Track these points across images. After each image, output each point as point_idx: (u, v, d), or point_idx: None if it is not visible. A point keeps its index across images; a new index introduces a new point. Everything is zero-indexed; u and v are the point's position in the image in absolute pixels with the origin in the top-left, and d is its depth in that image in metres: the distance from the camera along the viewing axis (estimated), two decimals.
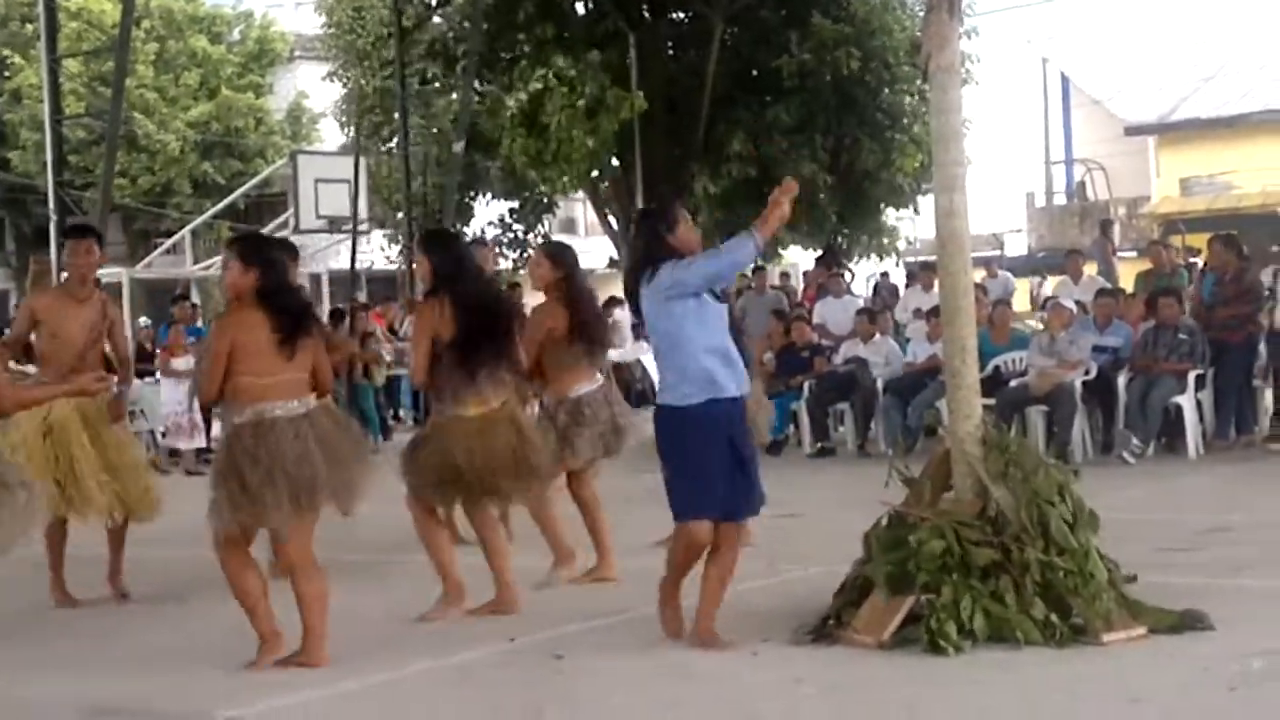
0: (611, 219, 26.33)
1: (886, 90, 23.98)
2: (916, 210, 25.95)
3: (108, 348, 8.69)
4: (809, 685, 5.82)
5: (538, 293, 8.46)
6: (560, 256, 8.48)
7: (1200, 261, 15.69)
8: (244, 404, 6.38)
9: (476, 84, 24.06)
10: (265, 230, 22.04)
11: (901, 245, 28.20)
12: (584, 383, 8.36)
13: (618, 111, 22.51)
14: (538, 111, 22.65)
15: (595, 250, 31.17)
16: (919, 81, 22.57)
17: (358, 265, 26.01)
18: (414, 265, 10.86)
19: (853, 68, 22.72)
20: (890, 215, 26.15)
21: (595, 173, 25.48)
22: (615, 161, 24.94)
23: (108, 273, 22.49)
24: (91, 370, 8.22)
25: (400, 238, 27.09)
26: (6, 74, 37.60)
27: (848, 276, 21.41)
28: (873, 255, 27.02)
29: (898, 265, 28.47)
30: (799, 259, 31.02)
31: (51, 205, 23.67)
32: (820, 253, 23.83)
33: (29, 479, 6.26)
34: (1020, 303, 19.00)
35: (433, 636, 7.04)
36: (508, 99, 23.03)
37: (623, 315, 18.03)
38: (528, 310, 8.89)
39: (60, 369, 8.18)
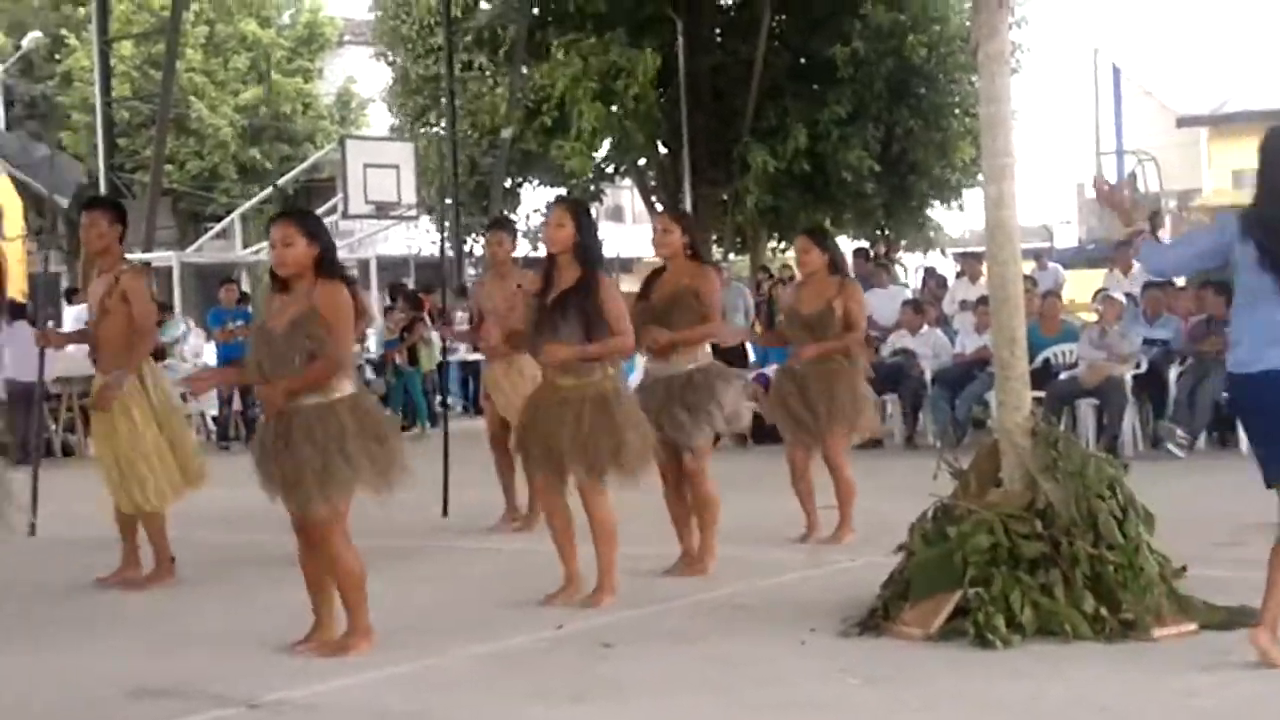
0: (659, 206, 26.25)
1: (941, 77, 23.84)
2: (961, 206, 25.81)
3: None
4: (855, 676, 5.80)
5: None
6: (688, 220, 8.37)
7: None
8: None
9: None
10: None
11: (946, 239, 28.03)
12: None
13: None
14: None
15: (641, 238, 31.06)
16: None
17: (405, 251, 26.03)
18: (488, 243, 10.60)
19: (920, 55, 22.61)
20: (937, 209, 26.02)
21: (642, 160, 25.42)
22: (664, 149, 24.89)
23: (158, 256, 22.65)
24: (104, 345, 8.23)
25: (448, 223, 27.11)
26: (58, 56, 37.84)
27: (896, 268, 21.32)
28: (919, 249, 26.87)
29: (944, 256, 28.33)
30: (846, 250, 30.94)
31: (102, 188, 23.87)
32: (857, 246, 23.74)
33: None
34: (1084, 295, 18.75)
35: (479, 622, 7.04)
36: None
37: None
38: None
39: (93, 347, 8.39)
